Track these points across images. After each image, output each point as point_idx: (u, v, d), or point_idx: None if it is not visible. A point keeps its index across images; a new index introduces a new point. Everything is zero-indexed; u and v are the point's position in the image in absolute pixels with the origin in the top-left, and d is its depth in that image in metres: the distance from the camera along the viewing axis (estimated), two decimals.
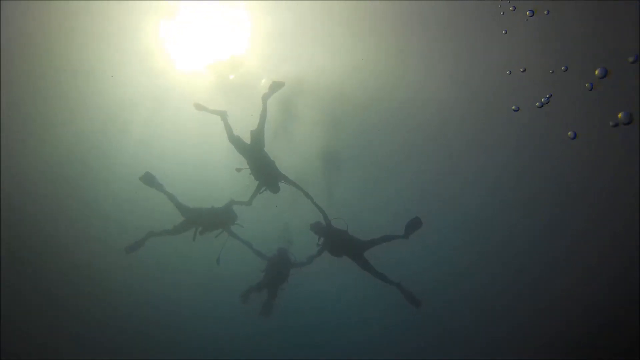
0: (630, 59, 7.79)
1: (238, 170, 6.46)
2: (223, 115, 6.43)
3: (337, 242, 6.21)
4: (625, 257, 11.39)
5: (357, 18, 9.01)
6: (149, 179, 6.62)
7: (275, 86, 6.41)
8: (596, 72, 7.93)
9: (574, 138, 9.62)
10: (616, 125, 8.24)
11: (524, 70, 8.70)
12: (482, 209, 11.99)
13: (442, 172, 11.61)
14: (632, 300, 11.48)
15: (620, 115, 7.40)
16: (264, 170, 6.41)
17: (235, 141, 6.42)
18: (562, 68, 8.56)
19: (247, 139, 6.46)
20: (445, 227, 12.12)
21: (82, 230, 11.90)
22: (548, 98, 8.61)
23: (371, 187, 11.94)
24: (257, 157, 6.39)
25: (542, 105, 8.76)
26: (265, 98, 6.37)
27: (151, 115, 10.32)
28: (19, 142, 10.19)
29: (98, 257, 12.07)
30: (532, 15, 8.03)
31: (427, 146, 11.18)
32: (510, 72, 8.88)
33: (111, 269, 11.91)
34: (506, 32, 8.37)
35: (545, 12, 7.98)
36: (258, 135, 6.36)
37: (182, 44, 9.29)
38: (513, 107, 9.12)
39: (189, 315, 13.65)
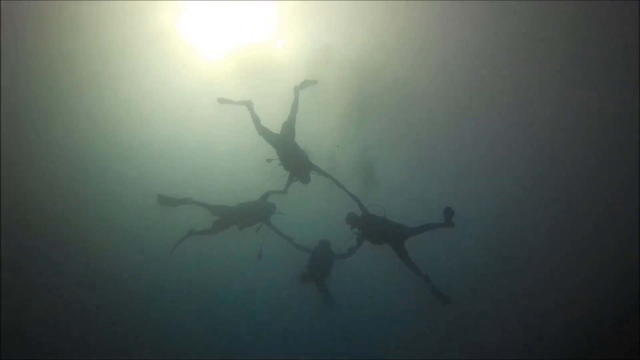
0: None
1: (268, 161, 6.35)
2: (249, 105, 6.36)
3: (376, 230, 6.01)
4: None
5: None
6: (167, 201, 6.38)
7: (307, 83, 6.40)
8: None
9: None
10: None
11: None
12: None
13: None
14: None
15: None
16: (294, 160, 6.28)
17: (264, 132, 6.32)
18: None
19: (276, 130, 6.34)
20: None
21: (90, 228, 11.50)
22: None
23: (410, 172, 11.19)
24: (287, 148, 6.26)
25: None
26: (297, 90, 6.31)
27: (171, 106, 10.09)
28: (32, 135, 9.98)
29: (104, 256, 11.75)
30: None
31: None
32: None
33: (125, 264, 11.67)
34: None
35: None
36: (289, 127, 6.26)
37: (203, 30, 9.03)
38: None
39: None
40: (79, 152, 10.16)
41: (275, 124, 6.41)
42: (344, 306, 7.76)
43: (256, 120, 6.33)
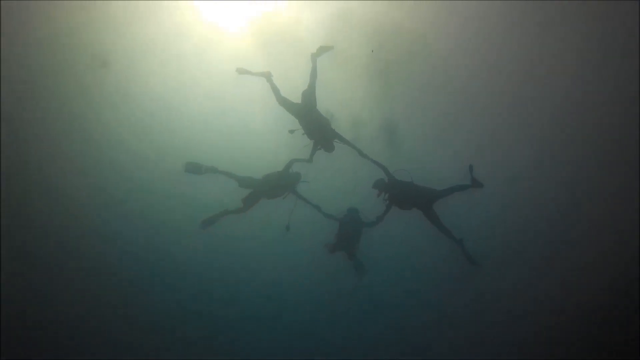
0: None
1: (291, 131, 6.31)
2: (268, 76, 6.27)
3: (404, 195, 5.98)
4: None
5: None
6: (194, 168, 6.31)
7: (324, 49, 6.32)
8: None
9: None
10: None
11: None
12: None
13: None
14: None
15: None
16: (317, 129, 6.25)
17: (284, 102, 6.27)
18: None
19: (296, 99, 6.28)
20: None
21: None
22: None
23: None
24: (309, 117, 6.21)
25: None
26: (314, 57, 6.24)
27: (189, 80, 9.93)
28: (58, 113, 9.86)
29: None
30: None
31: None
32: None
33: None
34: None
35: None
36: (310, 95, 6.19)
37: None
38: None
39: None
40: (100, 130, 10.05)
41: (295, 93, 6.33)
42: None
43: (276, 91, 6.27)
